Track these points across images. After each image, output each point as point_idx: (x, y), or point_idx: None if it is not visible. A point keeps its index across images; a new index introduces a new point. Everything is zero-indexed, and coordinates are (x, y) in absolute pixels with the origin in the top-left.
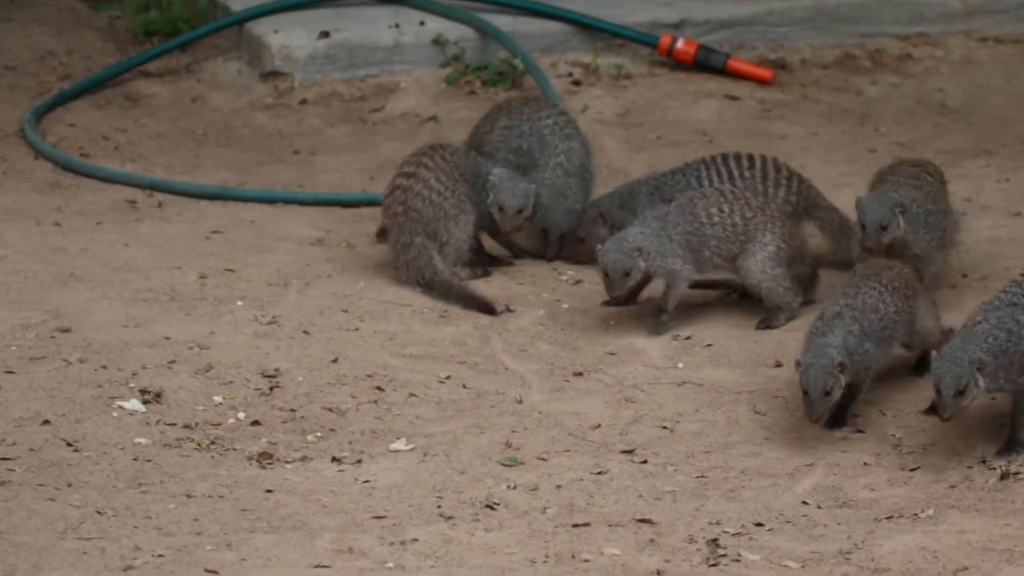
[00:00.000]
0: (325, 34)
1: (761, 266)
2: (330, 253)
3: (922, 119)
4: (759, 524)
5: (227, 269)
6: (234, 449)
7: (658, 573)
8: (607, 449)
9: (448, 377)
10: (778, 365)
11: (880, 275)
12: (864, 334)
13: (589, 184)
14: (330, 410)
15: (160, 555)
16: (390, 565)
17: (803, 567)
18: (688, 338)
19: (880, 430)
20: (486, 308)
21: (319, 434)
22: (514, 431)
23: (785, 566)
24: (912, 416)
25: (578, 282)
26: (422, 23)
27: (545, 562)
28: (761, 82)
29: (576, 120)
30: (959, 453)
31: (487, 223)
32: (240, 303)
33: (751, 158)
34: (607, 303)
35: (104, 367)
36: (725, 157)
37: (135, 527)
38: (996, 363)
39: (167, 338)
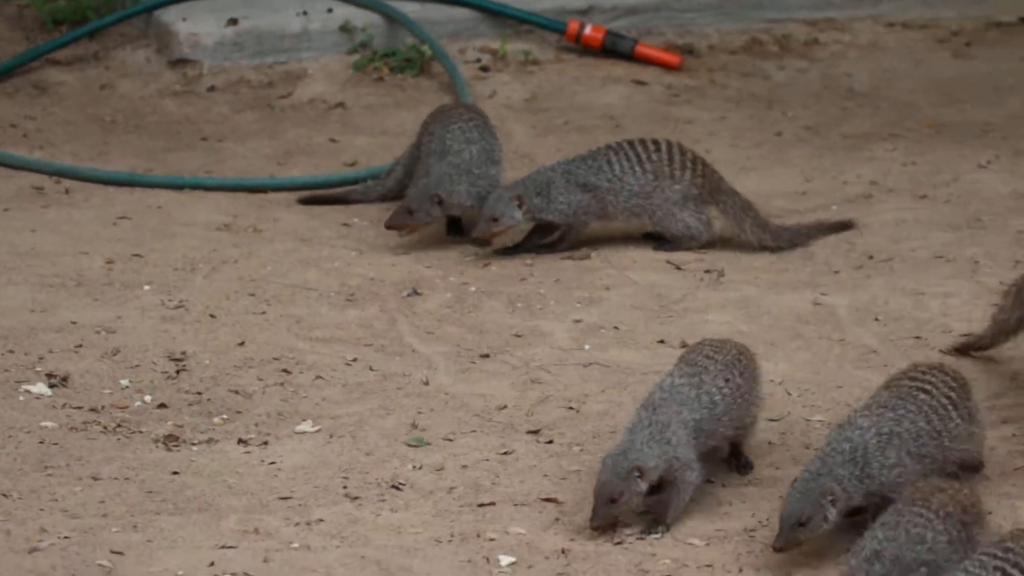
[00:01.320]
0: (233, 21)
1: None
2: (237, 238)
3: (829, 103)
4: None
5: (134, 254)
6: (140, 432)
7: (563, 552)
8: (513, 430)
9: (355, 359)
10: (684, 346)
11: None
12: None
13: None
14: (236, 393)
15: (66, 537)
16: (296, 545)
17: (708, 544)
18: (594, 320)
19: (782, 409)
20: None
21: (225, 416)
22: (420, 412)
23: (690, 544)
24: (819, 395)
25: (486, 265)
26: (330, 10)
27: (451, 541)
28: (669, 67)
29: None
30: None
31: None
32: (147, 288)
33: (657, 143)
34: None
35: (11, 351)
36: (632, 143)
37: (41, 509)
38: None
39: (74, 322)
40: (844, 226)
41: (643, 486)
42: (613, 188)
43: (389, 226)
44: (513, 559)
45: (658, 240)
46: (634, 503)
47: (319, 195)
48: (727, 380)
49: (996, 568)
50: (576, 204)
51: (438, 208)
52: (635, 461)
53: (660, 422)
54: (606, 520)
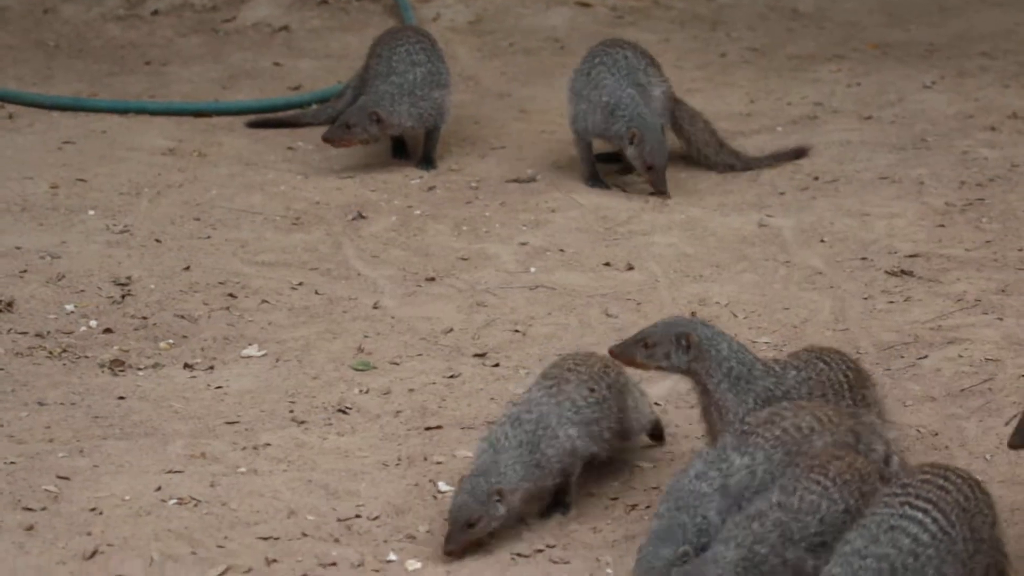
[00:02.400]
0: None
1: None
2: (182, 162)
3: (774, 24)
4: None
5: (79, 179)
6: (86, 357)
7: None
8: (459, 353)
9: (300, 283)
10: (630, 268)
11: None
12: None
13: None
14: (182, 317)
15: (12, 462)
16: (243, 470)
17: (654, 467)
18: (540, 243)
19: (731, 330)
20: None
21: (171, 341)
22: (366, 336)
23: (637, 466)
24: (765, 317)
25: (431, 188)
26: None
27: (398, 465)
28: None
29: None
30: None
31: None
32: (92, 212)
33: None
34: None
35: None
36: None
37: None
38: None
39: (18, 248)
40: (799, 153)
41: (502, 510)
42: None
43: (326, 139)
44: (452, 487)
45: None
46: (493, 527)
47: (268, 118)
48: (592, 391)
49: (902, 503)
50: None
51: (376, 126)
52: (496, 484)
53: (530, 442)
54: (461, 545)
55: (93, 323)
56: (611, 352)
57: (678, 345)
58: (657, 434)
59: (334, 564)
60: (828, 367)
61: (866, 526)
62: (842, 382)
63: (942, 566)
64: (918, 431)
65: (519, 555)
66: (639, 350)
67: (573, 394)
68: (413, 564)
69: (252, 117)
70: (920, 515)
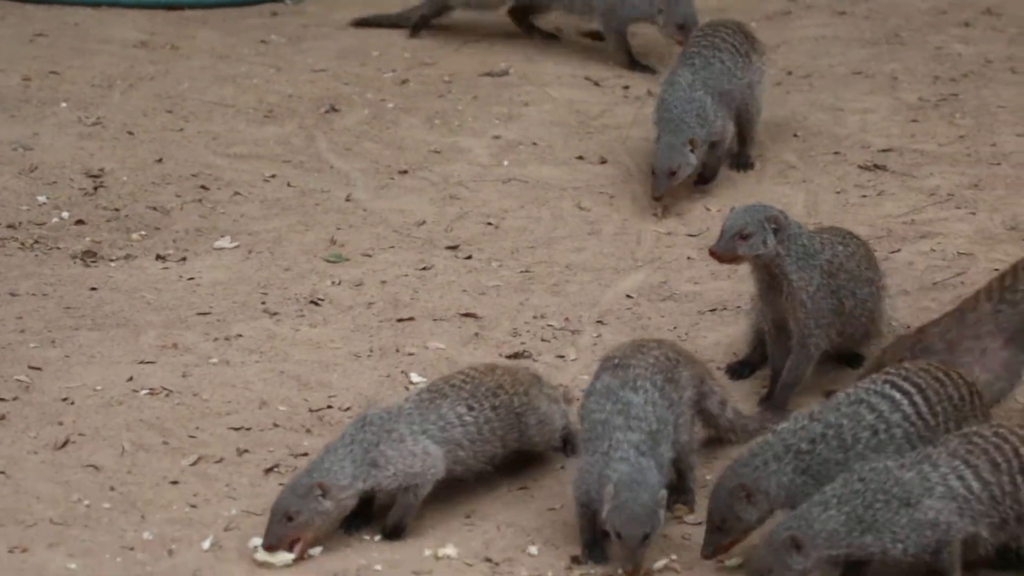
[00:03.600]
0: None
1: None
2: (154, 55)
3: None
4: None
5: (51, 71)
6: (58, 248)
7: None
8: (432, 245)
9: (273, 176)
10: (603, 162)
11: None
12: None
13: None
14: (154, 209)
15: None
16: (214, 360)
17: None
18: (513, 136)
19: (701, 225)
20: None
21: (143, 233)
22: (339, 228)
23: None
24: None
25: (404, 82)
26: None
27: (370, 356)
28: None
29: None
30: None
31: None
32: (64, 105)
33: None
34: None
35: None
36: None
37: None
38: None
39: None
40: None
41: (326, 504)
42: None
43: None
44: (424, 378)
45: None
46: (317, 522)
47: (374, 18)
48: (470, 409)
49: (886, 382)
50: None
51: None
52: (318, 479)
53: (367, 440)
54: (279, 541)
55: (65, 214)
56: (712, 254)
57: (768, 229)
58: (569, 446)
59: (305, 454)
60: (856, 241)
61: (838, 396)
62: (870, 254)
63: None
64: (891, 324)
65: None
66: (738, 244)
67: (446, 410)
68: None
69: (358, 17)
70: (898, 395)
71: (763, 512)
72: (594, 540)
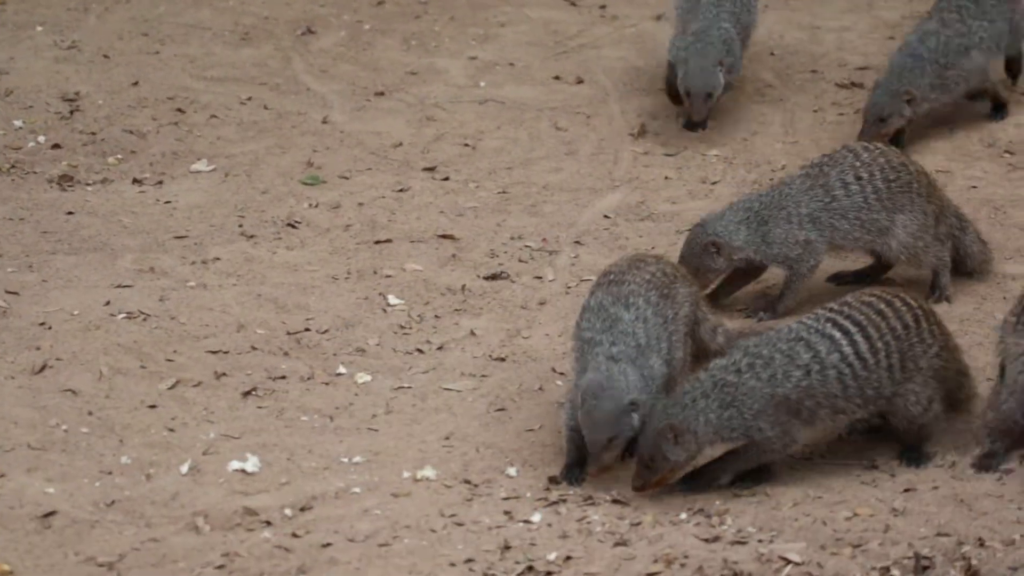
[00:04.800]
0: None
1: None
2: None
3: None
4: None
5: None
6: (34, 172)
7: (463, 289)
8: (409, 167)
9: (249, 98)
10: (580, 82)
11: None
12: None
13: None
14: (131, 132)
15: None
16: (192, 284)
17: None
18: (490, 57)
19: (679, 144)
20: None
21: (120, 156)
22: (316, 151)
23: (586, 280)
24: (716, 131)
25: (380, 3)
26: None
27: (347, 278)
28: None
29: None
30: (757, 164)
31: None
32: (39, 28)
33: None
34: None
35: None
36: None
37: None
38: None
39: None
40: None
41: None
42: None
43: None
44: (401, 300)
45: None
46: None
47: None
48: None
49: (827, 320)
50: None
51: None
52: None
53: None
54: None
55: (41, 139)
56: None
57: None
58: None
59: (283, 377)
60: None
61: (779, 331)
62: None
63: (846, 390)
64: None
65: None
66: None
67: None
68: (362, 377)
69: None
70: (838, 334)
71: (691, 452)
72: (576, 462)
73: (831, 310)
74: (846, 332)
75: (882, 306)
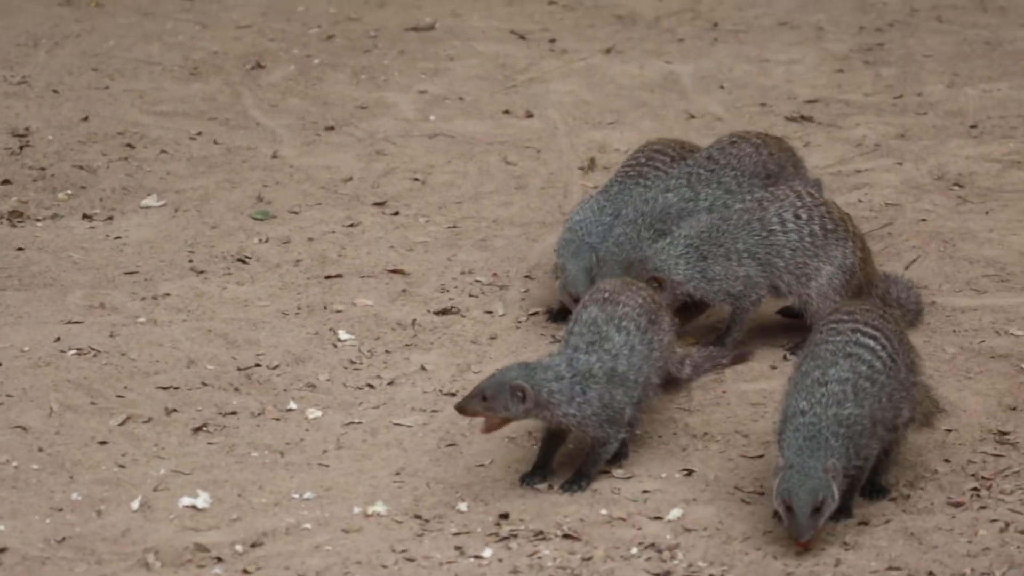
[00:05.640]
0: None
1: None
2: (79, 13)
3: None
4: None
5: None
6: None
7: (414, 324)
8: (359, 202)
9: (199, 133)
10: (529, 116)
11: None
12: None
13: None
14: (81, 168)
15: None
16: (142, 320)
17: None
18: (439, 91)
19: None
20: None
21: (70, 192)
22: (265, 185)
23: (535, 314)
24: None
25: (330, 37)
26: None
27: (298, 314)
28: None
29: None
30: None
31: None
32: None
33: None
34: None
35: None
36: None
37: None
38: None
39: None
40: None
41: None
42: None
43: None
44: (352, 335)
45: None
46: None
47: None
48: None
49: (853, 330)
50: None
51: None
52: None
53: None
54: None
55: None
56: None
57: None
58: None
59: (234, 413)
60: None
61: (820, 355)
62: None
63: (893, 393)
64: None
65: None
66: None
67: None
68: (313, 412)
69: None
70: (871, 342)
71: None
72: (540, 465)
73: (843, 321)
74: (875, 338)
75: (880, 312)
